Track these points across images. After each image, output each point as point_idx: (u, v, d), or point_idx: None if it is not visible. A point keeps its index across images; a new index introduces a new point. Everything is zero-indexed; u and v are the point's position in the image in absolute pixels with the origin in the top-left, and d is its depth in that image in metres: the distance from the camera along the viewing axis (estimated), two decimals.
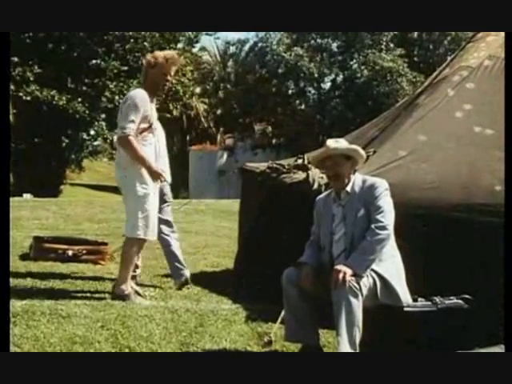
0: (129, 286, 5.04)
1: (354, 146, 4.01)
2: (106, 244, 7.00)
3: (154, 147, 5.19)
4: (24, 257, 6.78)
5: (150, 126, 5.06)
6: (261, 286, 5.21)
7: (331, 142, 3.97)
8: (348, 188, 3.90)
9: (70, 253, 6.76)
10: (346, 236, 3.82)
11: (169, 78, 5.13)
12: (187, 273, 5.71)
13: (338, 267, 3.60)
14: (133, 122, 4.91)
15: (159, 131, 5.45)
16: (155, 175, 5.02)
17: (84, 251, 6.79)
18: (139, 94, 5.03)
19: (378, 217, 3.74)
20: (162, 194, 5.45)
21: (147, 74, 5.13)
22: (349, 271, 3.57)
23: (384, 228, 3.71)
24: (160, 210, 5.38)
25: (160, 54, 5.16)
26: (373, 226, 3.72)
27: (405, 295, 3.77)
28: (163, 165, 5.46)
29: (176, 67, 5.23)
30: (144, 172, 4.98)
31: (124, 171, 5.04)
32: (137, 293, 5.17)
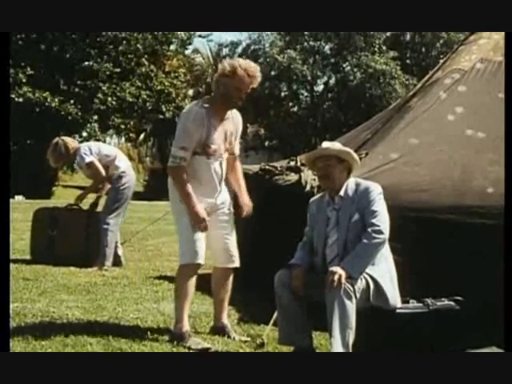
0: (186, 324, 4.19)
1: (346, 149, 3.97)
2: None
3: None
4: (16, 259, 6.75)
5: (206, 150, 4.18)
6: (255, 288, 5.20)
7: (325, 143, 3.97)
8: (341, 192, 3.88)
9: None
10: (340, 240, 3.81)
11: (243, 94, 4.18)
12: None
13: (334, 269, 3.59)
14: (184, 148, 4.13)
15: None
16: (195, 219, 4.11)
17: None
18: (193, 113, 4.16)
19: (374, 221, 3.72)
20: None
21: (218, 84, 4.20)
22: (344, 274, 3.57)
23: (380, 232, 3.70)
24: None
25: (240, 64, 4.14)
26: (369, 229, 3.70)
27: (396, 297, 3.77)
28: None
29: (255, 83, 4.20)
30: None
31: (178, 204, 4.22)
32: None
